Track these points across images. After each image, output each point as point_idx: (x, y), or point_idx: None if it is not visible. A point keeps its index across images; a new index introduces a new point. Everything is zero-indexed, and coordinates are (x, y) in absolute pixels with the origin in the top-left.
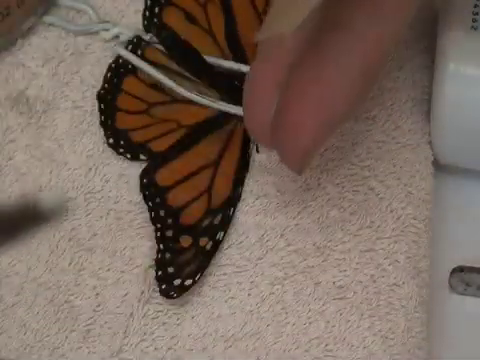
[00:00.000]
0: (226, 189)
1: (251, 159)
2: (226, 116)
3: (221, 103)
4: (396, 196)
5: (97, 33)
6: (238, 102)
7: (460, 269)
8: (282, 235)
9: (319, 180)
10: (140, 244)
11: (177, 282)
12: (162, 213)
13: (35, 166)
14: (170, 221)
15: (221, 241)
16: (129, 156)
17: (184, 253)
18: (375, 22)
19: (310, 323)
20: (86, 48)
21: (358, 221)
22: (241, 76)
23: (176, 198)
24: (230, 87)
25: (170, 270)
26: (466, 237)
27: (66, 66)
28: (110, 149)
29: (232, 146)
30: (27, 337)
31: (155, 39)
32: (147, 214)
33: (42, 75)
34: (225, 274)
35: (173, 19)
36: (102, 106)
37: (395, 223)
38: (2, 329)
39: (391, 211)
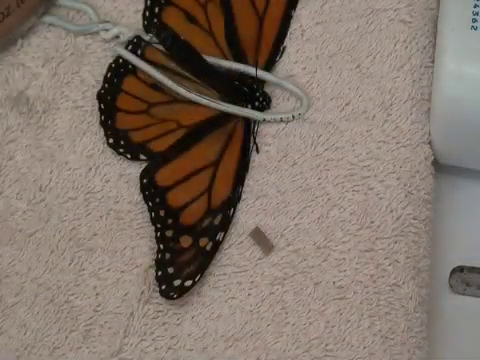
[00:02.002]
0: (226, 189)
1: (251, 159)
2: (226, 116)
3: (221, 103)
4: (396, 196)
5: (97, 33)
6: (238, 102)
7: (460, 269)
8: (282, 235)
9: (319, 180)
10: (140, 244)
11: (177, 283)
12: (162, 213)
13: (35, 166)
14: (170, 221)
15: (221, 242)
16: (129, 156)
17: (184, 253)
18: None
19: (310, 323)
20: (86, 48)
21: (358, 221)
22: (241, 76)
23: (176, 198)
24: (230, 87)
25: (170, 270)
26: (466, 237)
27: (66, 66)
28: (110, 149)
29: (232, 146)
30: (27, 337)
31: (155, 39)
32: (147, 214)
33: (42, 75)
34: (225, 274)
35: (173, 19)
36: (102, 106)
37: (395, 223)
38: (2, 329)
39: (391, 211)
